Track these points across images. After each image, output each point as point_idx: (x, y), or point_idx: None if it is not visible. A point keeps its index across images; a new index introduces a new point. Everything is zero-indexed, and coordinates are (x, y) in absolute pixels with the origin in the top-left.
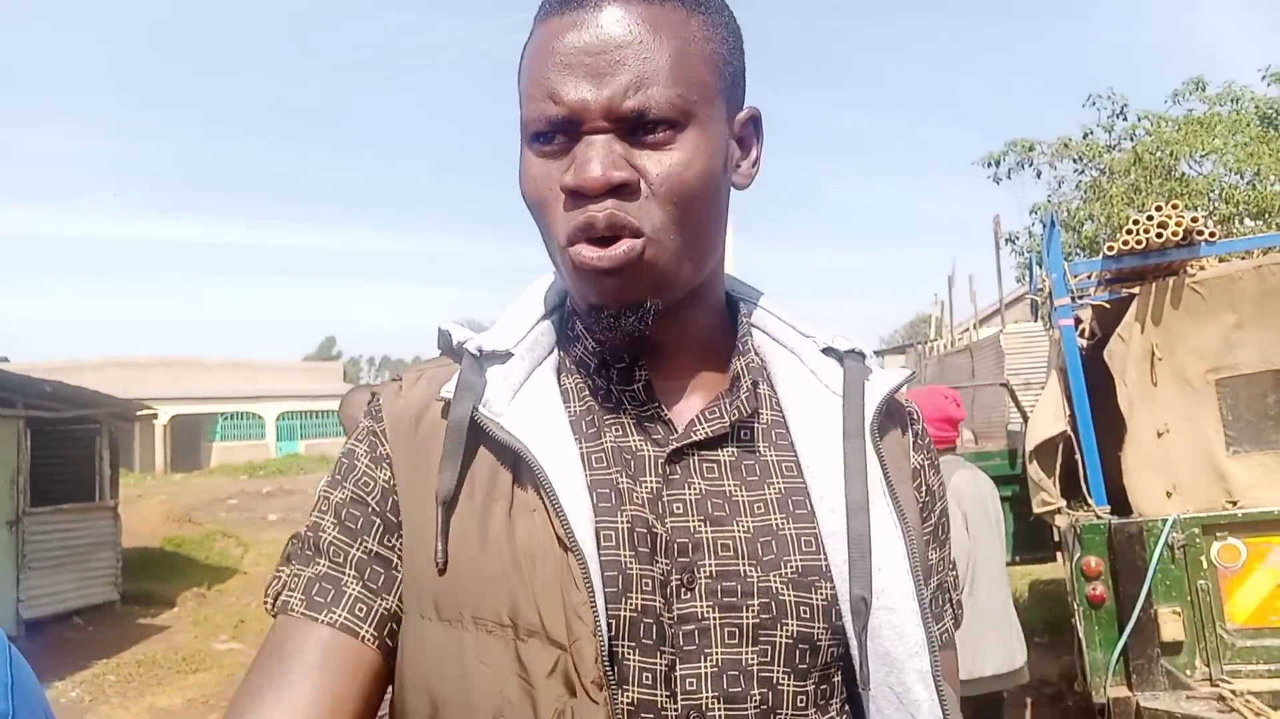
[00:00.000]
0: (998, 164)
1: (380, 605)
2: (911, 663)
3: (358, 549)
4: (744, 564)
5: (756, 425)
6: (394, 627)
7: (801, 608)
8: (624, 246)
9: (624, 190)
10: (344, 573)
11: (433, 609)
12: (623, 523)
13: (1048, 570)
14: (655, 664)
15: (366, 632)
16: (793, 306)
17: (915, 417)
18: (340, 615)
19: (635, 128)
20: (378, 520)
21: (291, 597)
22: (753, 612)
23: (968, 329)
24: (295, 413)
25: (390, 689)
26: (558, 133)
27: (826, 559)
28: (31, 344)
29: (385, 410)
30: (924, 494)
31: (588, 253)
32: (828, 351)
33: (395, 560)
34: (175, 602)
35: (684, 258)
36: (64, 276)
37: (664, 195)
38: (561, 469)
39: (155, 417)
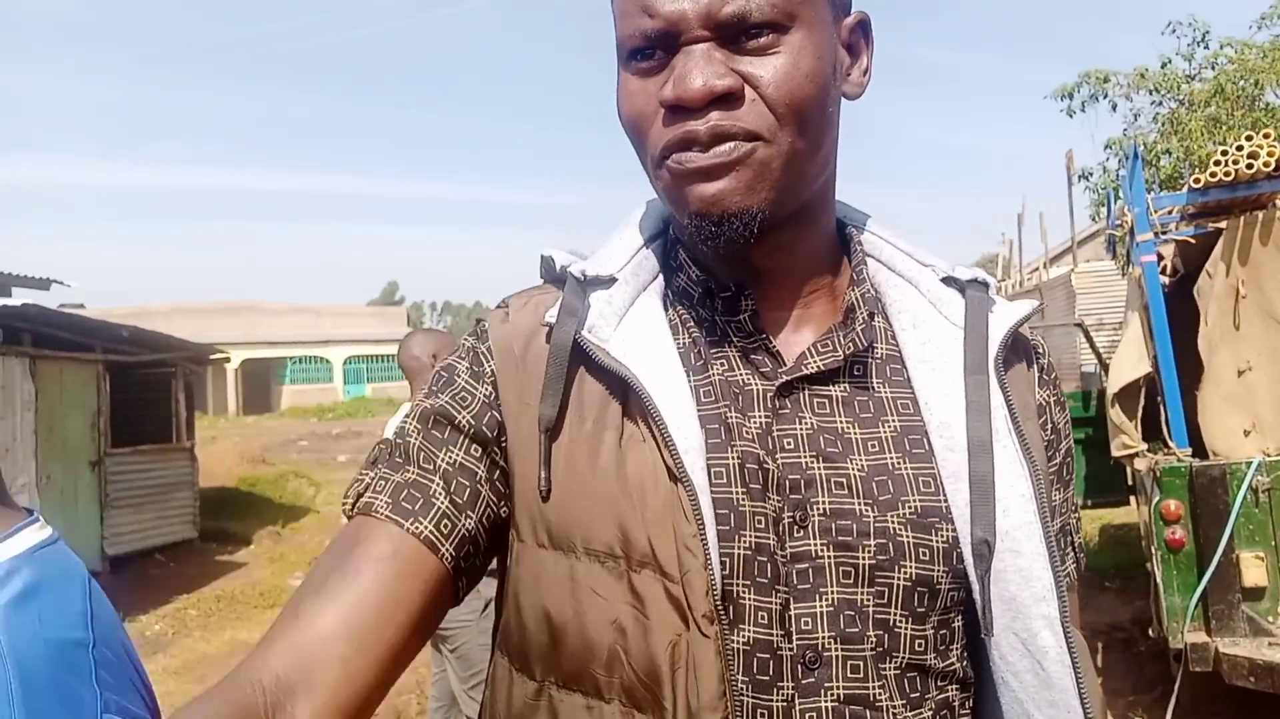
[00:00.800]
0: (1071, 97)
1: (463, 525)
2: (1038, 608)
3: (444, 458)
4: (859, 503)
5: (871, 360)
6: (470, 549)
7: (920, 550)
8: (729, 145)
9: (728, 100)
10: (432, 482)
11: (546, 536)
12: (733, 458)
13: (1119, 515)
14: (770, 603)
15: (446, 550)
16: (909, 234)
17: (1042, 350)
18: (426, 527)
19: (736, 34)
20: (470, 431)
21: (377, 499)
22: (869, 552)
23: (1037, 269)
24: (361, 357)
25: (500, 609)
26: (656, 48)
27: (946, 500)
28: (104, 291)
29: (492, 334)
30: (1049, 432)
31: (689, 155)
32: (948, 281)
33: (481, 474)
34: (251, 539)
35: (796, 164)
36: (133, 225)
37: (774, 99)
38: (671, 399)
39: (228, 360)
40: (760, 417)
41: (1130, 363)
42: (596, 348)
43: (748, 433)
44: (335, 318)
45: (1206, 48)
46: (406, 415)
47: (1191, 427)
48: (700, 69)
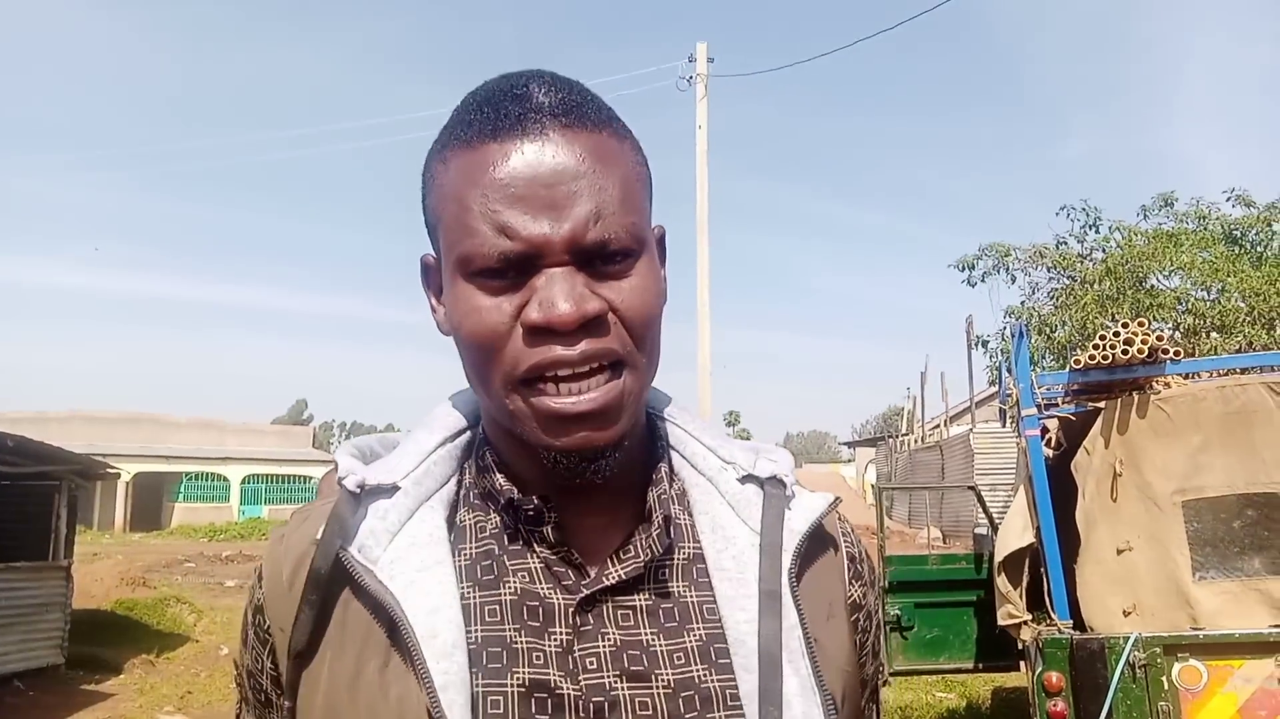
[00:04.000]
0: (972, 268)
1: None
2: None
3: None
4: None
5: (675, 561)
6: None
7: None
8: (604, 384)
9: (595, 324)
10: None
11: None
12: (513, 685)
13: (1011, 678)
14: None
15: None
16: (712, 426)
17: (852, 539)
18: None
19: (593, 259)
20: (275, 698)
21: None
22: None
23: (939, 425)
24: (261, 476)
25: None
26: (510, 269)
27: None
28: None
29: (265, 564)
30: (864, 619)
31: (561, 397)
32: (748, 479)
33: None
34: (122, 668)
35: (645, 386)
36: (36, 327)
37: (631, 322)
38: (435, 628)
39: (118, 476)
40: (561, 634)
41: (1015, 532)
42: (362, 568)
43: (539, 656)
44: (239, 434)
45: (1097, 231)
46: (236, 665)
47: (1074, 598)
48: (566, 293)
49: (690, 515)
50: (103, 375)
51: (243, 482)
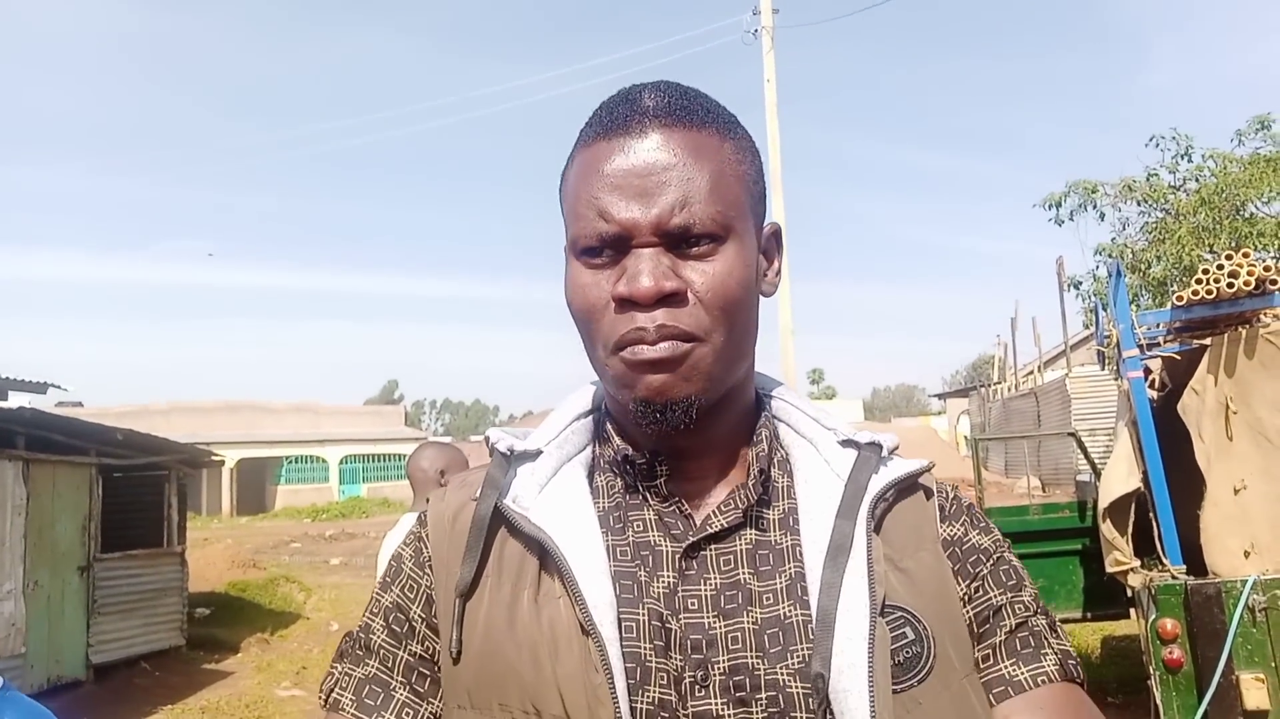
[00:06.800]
0: (1059, 206)
1: (426, 710)
2: None
3: (404, 653)
4: (752, 657)
5: (772, 513)
6: None
7: (810, 699)
8: (673, 345)
9: (673, 299)
10: (392, 677)
11: (466, 698)
12: (642, 615)
13: (1121, 626)
14: None
15: None
16: (817, 406)
17: (948, 493)
18: None
19: (680, 242)
20: (421, 625)
21: (343, 696)
22: (761, 706)
23: (1032, 371)
24: (357, 456)
25: None
26: (608, 248)
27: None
28: (104, 389)
29: (430, 514)
30: (964, 552)
31: (640, 349)
32: (847, 443)
33: (439, 664)
34: (239, 647)
35: (726, 359)
36: (134, 323)
37: (709, 302)
38: (584, 558)
39: (223, 463)
40: (668, 577)
41: (1120, 478)
42: (517, 514)
43: (654, 592)
44: (333, 416)
45: (1190, 160)
46: (369, 610)
47: (1186, 543)
48: (649, 270)
49: (789, 477)
50: (199, 367)
51: (340, 462)
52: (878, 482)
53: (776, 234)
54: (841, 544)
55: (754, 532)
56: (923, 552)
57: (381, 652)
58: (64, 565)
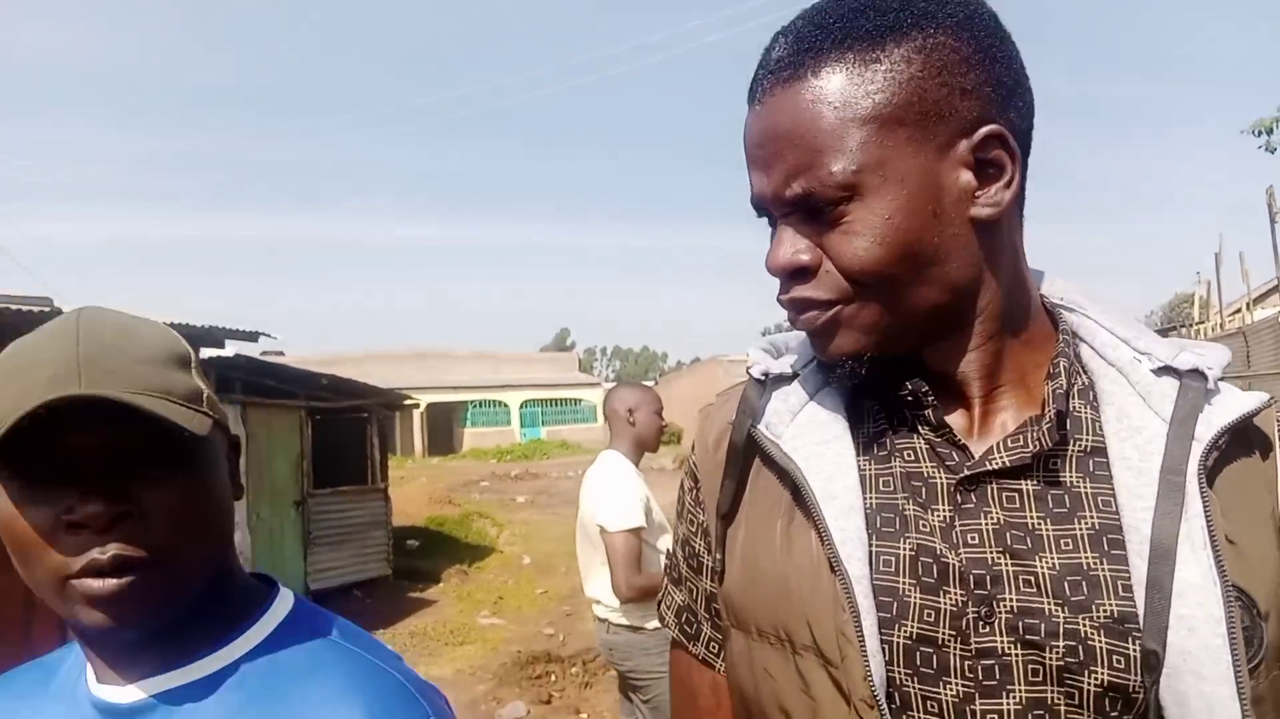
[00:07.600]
0: (1269, 132)
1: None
2: None
3: (699, 586)
4: (1049, 602)
5: (1068, 454)
6: None
7: (1114, 656)
8: (814, 314)
9: (805, 273)
10: (697, 608)
11: (733, 616)
12: (905, 549)
13: None
14: (939, 694)
15: (719, 664)
16: (1130, 319)
17: None
18: (701, 650)
19: (812, 209)
20: (706, 559)
21: (669, 617)
22: (1057, 653)
23: (1239, 310)
24: (537, 401)
25: None
26: (763, 215)
27: (1141, 608)
28: (300, 340)
29: (697, 436)
30: None
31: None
32: (1164, 371)
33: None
34: (440, 577)
35: (890, 309)
36: (329, 276)
37: (846, 269)
38: (834, 491)
39: (416, 406)
40: (943, 509)
41: None
42: (769, 442)
43: (925, 525)
44: (512, 363)
45: None
46: (674, 538)
47: None
48: (784, 244)
49: (1094, 409)
50: (386, 317)
51: (521, 406)
52: (1207, 424)
53: (998, 137)
54: (1170, 508)
55: (1044, 472)
56: (1259, 528)
57: (686, 583)
58: (282, 500)
